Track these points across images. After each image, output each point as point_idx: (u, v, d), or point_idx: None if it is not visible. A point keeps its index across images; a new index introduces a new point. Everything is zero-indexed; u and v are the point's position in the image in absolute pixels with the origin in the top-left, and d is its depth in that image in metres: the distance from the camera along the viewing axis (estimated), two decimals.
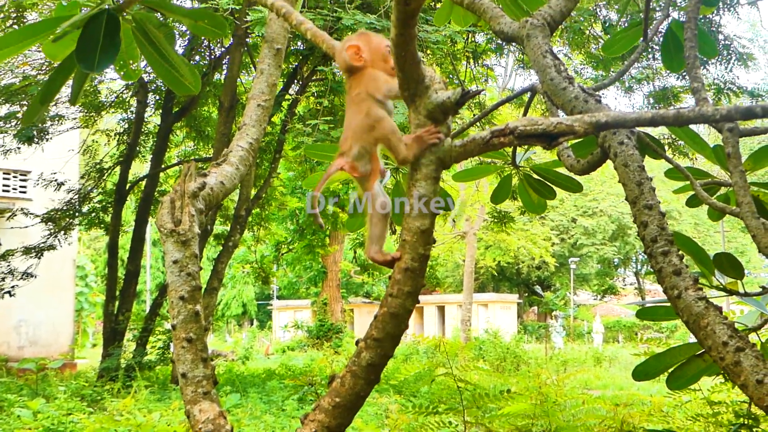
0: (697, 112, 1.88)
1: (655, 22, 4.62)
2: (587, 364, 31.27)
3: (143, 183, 21.37)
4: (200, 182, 2.56)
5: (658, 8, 7.82)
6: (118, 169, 21.07)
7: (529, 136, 1.98)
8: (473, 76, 18.89)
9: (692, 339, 3.41)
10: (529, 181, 4.68)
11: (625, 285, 69.55)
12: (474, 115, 18.08)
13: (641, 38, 4.45)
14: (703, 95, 3.30)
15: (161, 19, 3.62)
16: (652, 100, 17.49)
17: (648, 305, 4.05)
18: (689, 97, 17.51)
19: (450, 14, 5.03)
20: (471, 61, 18.84)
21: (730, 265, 3.56)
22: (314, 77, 18.80)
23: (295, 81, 19.29)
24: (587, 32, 17.08)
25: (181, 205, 2.46)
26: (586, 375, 25.50)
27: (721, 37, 16.29)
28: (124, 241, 25.55)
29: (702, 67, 16.71)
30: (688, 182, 4.09)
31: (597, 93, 3.48)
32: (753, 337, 4.06)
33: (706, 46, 4.66)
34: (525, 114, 4.61)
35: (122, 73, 3.70)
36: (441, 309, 53.83)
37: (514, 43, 3.84)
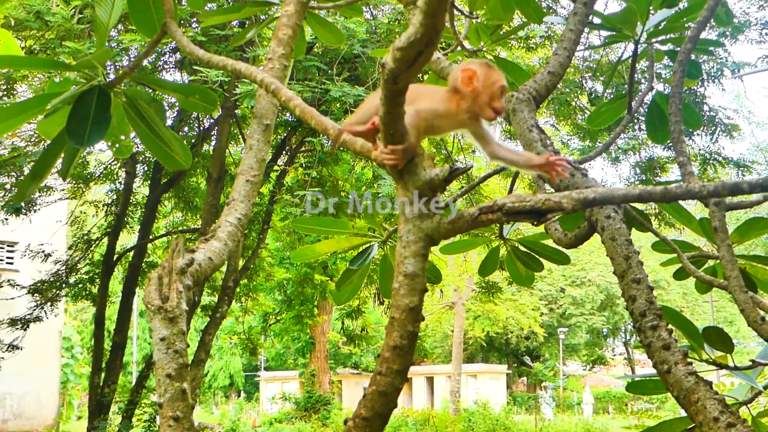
0: (684, 188, 1.89)
1: (639, 94, 4.67)
2: None
3: (131, 254, 21.29)
4: (188, 258, 2.56)
5: (642, 80, 7.92)
6: (105, 240, 21.02)
7: (517, 213, 1.99)
8: (461, 146, 19.00)
9: (683, 411, 3.39)
10: (516, 254, 4.69)
11: (615, 355, 69.28)
12: (462, 186, 18.17)
13: (626, 110, 4.49)
14: (689, 169, 3.33)
15: (152, 93, 3.65)
16: (638, 171, 17.60)
17: (637, 378, 4.03)
18: (676, 168, 17.64)
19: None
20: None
21: (719, 338, 3.55)
22: (303, 148, 18.89)
23: (284, 152, 19.37)
24: (573, 103, 17.24)
25: (168, 282, 2.45)
26: None
27: (705, 108, 16.46)
28: (111, 312, 25.41)
29: (687, 138, 16.91)
30: (675, 255, 4.11)
31: (583, 166, 3.51)
32: (744, 411, 4.04)
33: (690, 117, 4.72)
34: (512, 186, 4.65)
35: (114, 148, 3.71)
36: (430, 380, 53.50)
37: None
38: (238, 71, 2.96)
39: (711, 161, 16.66)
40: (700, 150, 16.98)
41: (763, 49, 16.93)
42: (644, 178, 17.27)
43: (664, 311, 3.28)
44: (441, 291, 44.08)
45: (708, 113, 16.39)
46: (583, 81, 17.26)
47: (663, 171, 17.16)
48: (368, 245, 4.38)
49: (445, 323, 52.12)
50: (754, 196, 3.69)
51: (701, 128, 16.49)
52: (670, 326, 3.16)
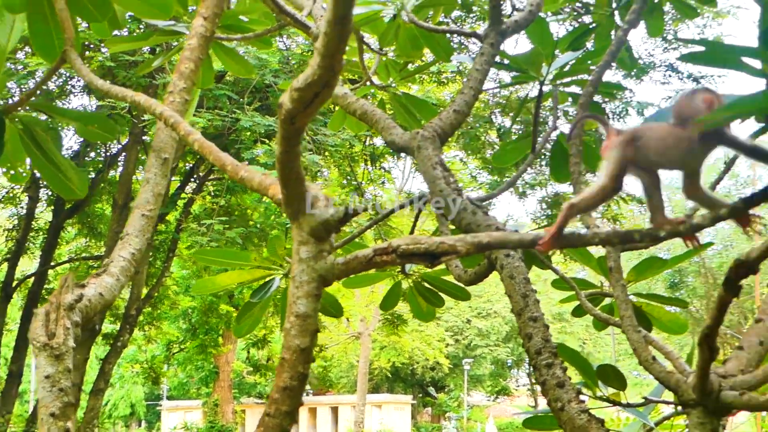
0: (576, 235, 1.93)
1: (543, 134, 4.74)
2: None
3: (31, 281, 20.80)
4: (77, 294, 2.50)
5: (549, 120, 8.05)
6: (5, 265, 20.51)
7: (411, 255, 1.99)
8: (371, 177, 19.08)
9: None
10: (418, 289, 4.70)
11: (519, 386, 69.88)
12: (371, 217, 18.20)
13: (530, 149, 4.56)
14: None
15: (49, 121, 3.59)
16: (545, 206, 17.89)
17: (534, 415, 4.07)
18: None
19: (344, 121, 5.10)
20: (369, 163, 19.05)
21: (612, 376, 3.61)
22: (211, 176, 18.76)
23: (192, 179, 19.21)
24: (483, 138, 17.47)
25: (56, 318, 2.39)
26: None
27: None
28: (8, 339, 24.76)
29: (593, 175, 17.23)
30: (574, 292, 4.18)
31: (484, 205, 3.55)
32: None
33: (592, 159, 4.81)
34: (416, 221, 4.67)
35: (9, 175, 3.63)
36: (334, 410, 53.23)
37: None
38: (137, 103, 2.92)
39: (616, 197, 17.04)
40: None
41: (667, 90, 17.41)
42: (550, 213, 17.57)
43: (559, 349, 3.33)
44: (348, 321, 44.05)
45: None
46: (493, 116, 17.51)
47: None
48: (270, 278, 4.35)
49: (351, 353, 52.00)
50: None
51: None
52: (564, 364, 3.20)
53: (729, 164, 3.69)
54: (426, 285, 4.68)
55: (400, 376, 60.58)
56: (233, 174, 2.44)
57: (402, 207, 4.51)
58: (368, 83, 4.96)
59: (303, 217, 2.06)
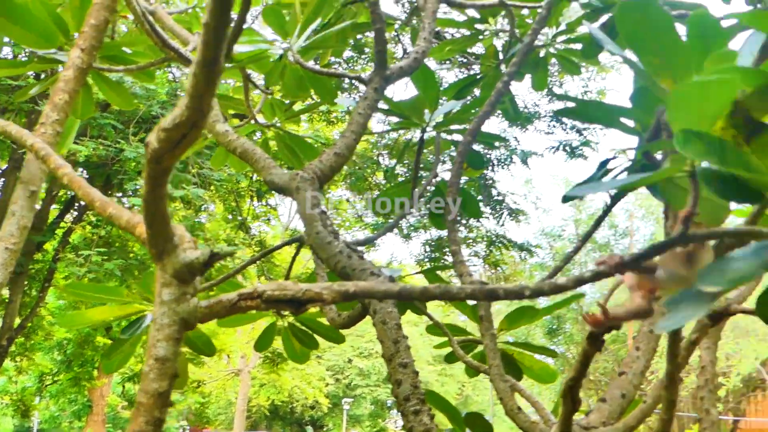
0: (443, 289, 1.93)
1: (423, 182, 4.79)
2: None
3: None
4: None
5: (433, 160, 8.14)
6: None
7: (277, 301, 1.97)
8: (256, 214, 18.97)
9: None
10: (293, 330, 4.68)
11: (398, 426, 69.92)
12: (255, 252, 18.07)
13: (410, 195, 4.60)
14: (460, 258, 3.42)
15: None
16: (428, 248, 18.05)
17: None
18: (463, 247, 18.20)
19: (227, 158, 5.07)
20: (255, 199, 18.95)
21: (480, 424, 3.64)
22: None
23: (73, 208, 18.80)
24: (370, 179, 17.58)
25: None
26: None
27: (494, 191, 17.14)
28: None
29: (477, 220, 17.53)
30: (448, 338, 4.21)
31: (360, 248, 3.55)
32: None
33: (470, 206, 4.87)
34: (291, 265, 4.64)
35: None
36: None
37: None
38: (8, 133, 2.85)
39: (497, 243, 17.31)
40: (487, 231, 17.61)
41: (551, 140, 17.84)
42: (434, 256, 17.73)
43: (428, 396, 3.34)
44: (228, 357, 43.50)
45: (496, 197, 17.07)
46: (381, 158, 17.65)
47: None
48: (142, 314, 4.26)
49: (230, 390, 51.33)
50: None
51: (490, 211, 17.15)
52: (432, 411, 3.21)
53: (601, 217, 3.77)
54: (300, 327, 4.65)
55: (279, 414, 60.02)
56: (101, 210, 2.38)
57: (279, 248, 4.48)
58: (253, 122, 4.94)
59: (167, 259, 2.02)
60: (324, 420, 61.25)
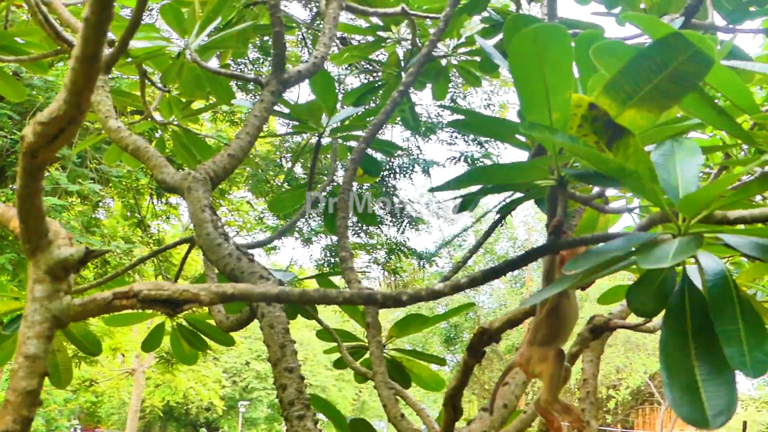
0: (321, 293, 1.94)
1: (320, 185, 4.79)
2: None
3: None
4: None
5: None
6: None
7: (153, 301, 1.95)
8: (155, 212, 18.70)
9: None
10: (182, 331, 4.63)
11: None
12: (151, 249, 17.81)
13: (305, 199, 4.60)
14: (350, 264, 3.43)
15: None
16: (329, 253, 18.03)
17: None
18: (363, 253, 18.27)
19: (120, 155, 4.99)
20: (155, 197, 18.68)
21: (363, 429, 3.65)
22: None
23: None
24: (272, 182, 17.49)
25: None
26: None
27: (396, 199, 17.23)
28: None
29: (377, 227, 17.59)
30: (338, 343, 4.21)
31: (250, 252, 3.53)
32: None
33: (366, 214, 4.90)
34: (181, 266, 4.60)
35: None
36: None
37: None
38: None
39: (396, 251, 17.40)
40: (387, 239, 17.69)
41: (452, 151, 18.00)
42: (333, 261, 17.73)
43: (313, 401, 3.34)
44: (122, 356, 42.77)
45: (398, 205, 17.17)
46: (284, 160, 17.58)
47: (351, 256, 17.69)
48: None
49: (123, 390, 50.46)
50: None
51: (390, 219, 17.24)
52: (317, 416, 3.21)
53: (490, 228, 3.82)
54: (189, 328, 4.61)
55: (174, 416, 59.24)
56: None
57: (164, 250, 4.43)
58: (149, 119, 4.88)
59: (40, 255, 1.98)
60: (219, 422, 60.65)
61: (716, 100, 1.84)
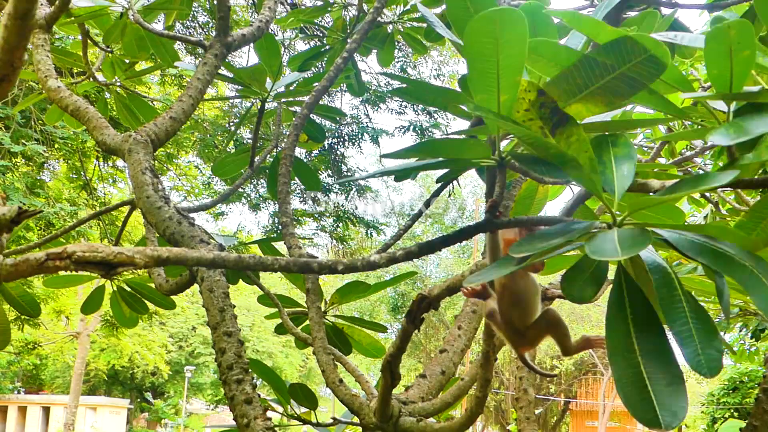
0: (257, 259, 1.94)
1: (264, 151, 4.77)
2: None
3: None
4: None
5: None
6: None
7: (87, 263, 1.94)
8: (101, 175, 18.49)
9: None
10: (122, 294, 4.60)
11: None
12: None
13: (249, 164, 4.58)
14: (291, 230, 3.43)
15: None
16: (276, 220, 17.96)
17: (224, 429, 4.06)
18: (311, 221, 18.25)
19: (62, 115, 4.93)
20: (101, 159, 18.45)
21: (304, 395, 3.67)
22: None
23: None
24: (221, 147, 17.36)
25: None
26: None
27: (344, 168, 17.20)
28: None
29: (324, 194, 17.57)
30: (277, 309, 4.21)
31: (191, 216, 3.52)
32: None
33: (310, 180, 4.89)
34: (122, 228, 4.57)
35: None
36: (46, 410, 51.01)
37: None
38: None
39: (344, 218, 17.39)
40: (335, 206, 17.68)
41: (401, 120, 17.99)
42: (280, 228, 17.68)
43: (253, 366, 3.35)
44: (67, 319, 42.40)
45: (346, 173, 17.14)
46: (232, 126, 17.45)
47: (299, 223, 17.67)
48: None
49: (68, 353, 50.06)
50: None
51: (342, 186, 17.22)
52: (255, 381, 3.22)
53: (431, 196, 3.83)
54: (130, 291, 4.59)
55: (119, 380, 58.97)
56: None
57: (102, 213, 4.40)
58: (91, 79, 4.82)
59: None
60: (165, 387, 60.52)
61: None
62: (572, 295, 1.78)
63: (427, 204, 3.73)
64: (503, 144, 1.99)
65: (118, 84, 5.04)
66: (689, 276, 2.51)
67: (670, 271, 1.70)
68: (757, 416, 3.07)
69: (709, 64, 1.73)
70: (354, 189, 17.19)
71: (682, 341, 1.57)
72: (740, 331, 11.66)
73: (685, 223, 2.62)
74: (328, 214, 17.75)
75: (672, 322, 1.60)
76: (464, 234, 1.97)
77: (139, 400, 61.29)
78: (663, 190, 1.76)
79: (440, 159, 2.07)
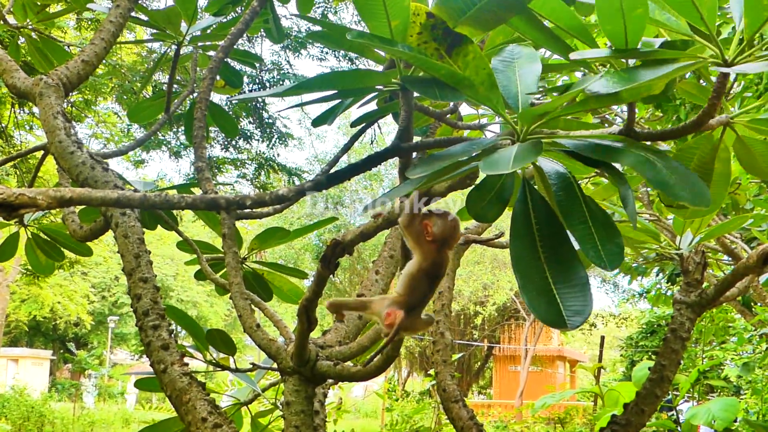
0: (163, 197, 1.92)
1: (181, 95, 4.71)
2: (115, 426, 30.83)
3: None
4: None
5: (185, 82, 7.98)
6: None
7: None
8: (17, 122, 18.06)
9: None
10: (37, 241, 4.53)
11: None
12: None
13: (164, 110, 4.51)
14: (206, 175, 3.39)
15: None
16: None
17: (144, 377, 4.04)
18: (232, 168, 18.10)
19: None
20: (16, 106, 18.01)
21: (222, 341, 3.66)
22: None
23: None
24: (140, 93, 17.07)
25: None
26: None
27: (265, 114, 17.06)
28: None
29: (246, 142, 17.44)
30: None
31: (105, 161, 3.46)
32: (245, 411, 4.22)
33: (227, 125, 4.84)
34: (35, 173, 4.48)
35: None
36: None
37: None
38: None
39: (266, 166, 17.29)
40: (256, 154, 17.56)
41: (323, 67, 17.87)
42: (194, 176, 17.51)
43: (170, 312, 3.33)
44: None
45: (267, 120, 17.01)
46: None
47: (220, 171, 17.53)
48: None
49: None
50: (269, 208, 3.85)
51: (263, 133, 17.10)
52: (172, 327, 3.20)
53: (353, 138, 3.81)
54: (44, 238, 4.51)
55: (41, 331, 58.27)
56: None
57: (25, 155, 4.31)
58: (2, 22, 4.69)
59: None
60: (88, 338, 60.00)
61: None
62: (477, 214, 1.78)
63: (349, 146, 3.71)
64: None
65: (31, 27, 4.91)
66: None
67: (570, 176, 1.73)
68: (665, 355, 3.16)
69: (603, 21, 1.74)
70: (276, 136, 17.07)
71: (582, 240, 1.60)
72: (657, 275, 11.91)
73: None
74: (249, 162, 17.63)
75: (572, 223, 1.64)
76: (372, 160, 1.97)
77: (62, 351, 60.66)
78: (567, 106, 1.78)
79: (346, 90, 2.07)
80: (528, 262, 1.65)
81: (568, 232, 1.67)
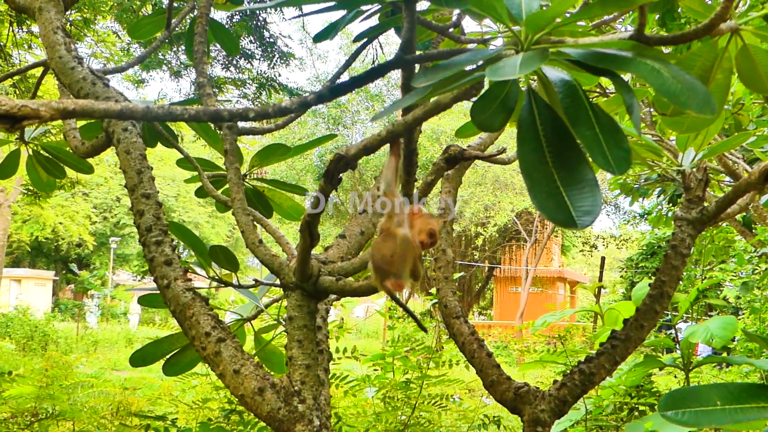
0: (165, 110, 1.91)
1: (182, 12, 4.66)
2: (119, 345, 31.13)
3: None
4: None
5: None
6: None
7: None
8: (15, 41, 17.91)
9: None
10: (38, 159, 4.52)
11: None
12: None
13: (165, 26, 4.47)
14: (207, 91, 3.38)
15: None
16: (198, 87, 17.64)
17: (147, 293, 4.07)
18: (233, 88, 17.97)
19: None
20: (15, 24, 17.84)
21: (225, 258, 3.67)
22: None
23: None
24: (140, 12, 16.88)
25: None
26: (116, 355, 25.42)
27: (266, 34, 16.88)
28: None
29: (247, 61, 17.28)
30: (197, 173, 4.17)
31: (106, 77, 3.45)
32: (248, 327, 4.25)
33: (228, 42, 4.80)
34: (36, 88, 4.46)
35: None
36: None
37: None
38: None
39: (267, 86, 17.16)
40: (258, 74, 17.41)
41: None
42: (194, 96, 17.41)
43: (172, 228, 3.34)
44: None
45: (268, 39, 16.83)
46: None
47: (221, 91, 17.40)
48: None
49: None
50: (270, 124, 3.84)
51: (261, 53, 16.96)
52: (175, 242, 3.22)
53: (351, 58, 3.78)
54: (46, 155, 4.51)
55: (43, 252, 58.54)
56: None
57: (25, 70, 4.28)
58: None
59: None
60: (91, 259, 60.29)
61: None
62: (482, 123, 1.77)
63: (350, 61, 3.69)
64: None
65: None
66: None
67: (575, 83, 1.72)
68: (665, 271, 3.18)
69: None
70: (277, 56, 16.90)
71: (589, 145, 1.60)
72: (658, 197, 11.92)
73: None
74: (250, 82, 17.47)
75: (579, 129, 1.64)
76: (375, 72, 1.96)
77: (64, 271, 61.02)
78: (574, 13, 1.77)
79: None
80: (536, 166, 1.65)
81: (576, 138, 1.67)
